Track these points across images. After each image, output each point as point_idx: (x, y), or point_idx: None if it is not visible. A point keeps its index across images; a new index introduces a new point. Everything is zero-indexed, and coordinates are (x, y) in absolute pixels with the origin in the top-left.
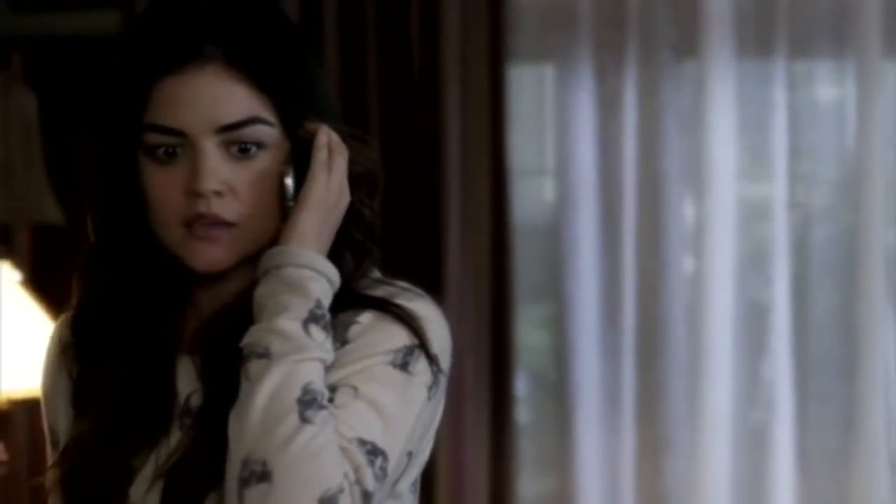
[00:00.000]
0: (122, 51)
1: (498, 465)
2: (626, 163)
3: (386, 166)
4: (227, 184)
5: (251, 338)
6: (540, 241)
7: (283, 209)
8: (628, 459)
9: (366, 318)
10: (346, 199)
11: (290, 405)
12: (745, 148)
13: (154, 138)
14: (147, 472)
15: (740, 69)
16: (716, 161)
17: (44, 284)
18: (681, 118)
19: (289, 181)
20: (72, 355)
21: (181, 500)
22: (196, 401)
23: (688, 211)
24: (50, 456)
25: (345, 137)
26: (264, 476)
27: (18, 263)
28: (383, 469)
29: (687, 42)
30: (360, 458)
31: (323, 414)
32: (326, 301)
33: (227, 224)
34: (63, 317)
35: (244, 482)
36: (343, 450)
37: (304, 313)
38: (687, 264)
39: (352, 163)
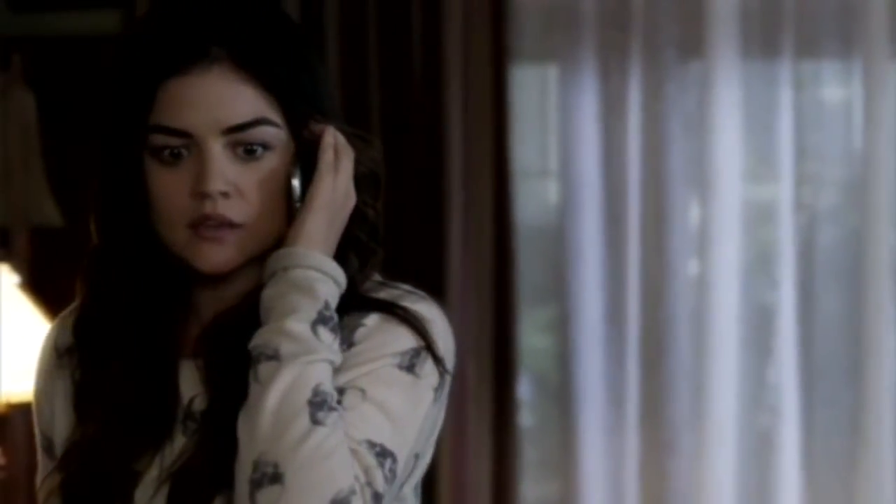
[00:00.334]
0: (126, 51)
1: (501, 469)
2: (631, 164)
3: (388, 168)
4: (234, 185)
5: (260, 339)
6: (543, 243)
7: (290, 210)
8: (632, 464)
9: (371, 320)
10: (352, 200)
11: (301, 407)
12: (750, 149)
13: (160, 139)
14: (152, 475)
15: (746, 70)
16: (721, 162)
17: (43, 287)
18: (685, 119)
19: (295, 182)
20: (74, 358)
21: (188, 503)
22: (199, 404)
23: (693, 213)
24: (41, 461)
25: (349, 138)
26: (276, 478)
27: (17, 266)
28: (392, 471)
29: (692, 42)
30: (370, 459)
31: (333, 416)
32: (333, 303)
33: (234, 225)
34: (58, 320)
35: (256, 484)
36: (353, 452)
37: (312, 315)
38: (692, 267)
39: (356, 163)
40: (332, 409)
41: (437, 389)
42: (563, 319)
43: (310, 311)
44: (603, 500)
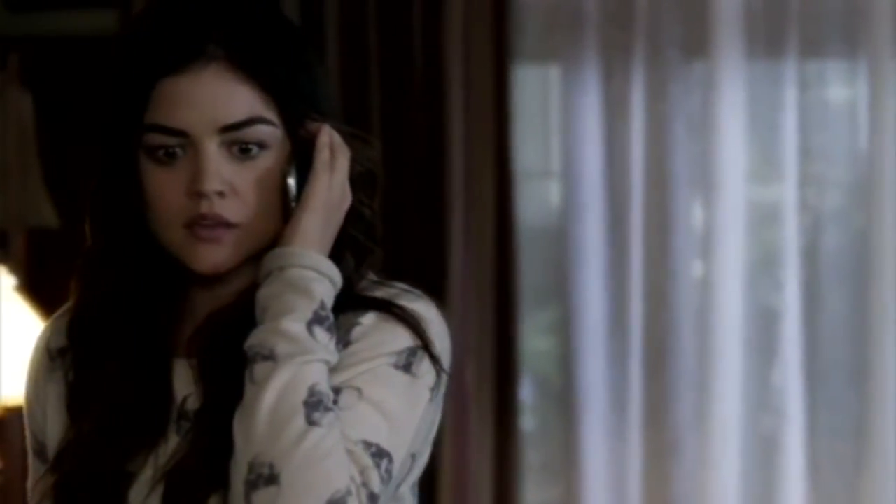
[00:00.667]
0: (122, 50)
1: (502, 473)
2: (634, 165)
3: (388, 169)
4: (230, 184)
5: (255, 339)
6: (545, 245)
7: (286, 209)
8: (635, 467)
9: (368, 319)
10: (348, 199)
11: (297, 407)
12: (754, 150)
13: (155, 138)
14: (146, 475)
15: (750, 70)
16: (725, 163)
17: (40, 289)
18: (689, 120)
19: (291, 181)
20: (67, 359)
21: (182, 503)
22: (192, 403)
23: (696, 214)
24: (32, 465)
25: (346, 137)
26: (272, 479)
27: (14, 268)
28: (388, 471)
29: (696, 42)
30: (366, 460)
31: (329, 416)
32: (329, 302)
33: (230, 225)
34: (50, 321)
35: (251, 485)
36: (349, 452)
37: (308, 315)
38: (695, 268)
39: (353, 162)
40: (327, 409)
41: (434, 389)
42: (565, 321)
43: (305, 310)
44: None
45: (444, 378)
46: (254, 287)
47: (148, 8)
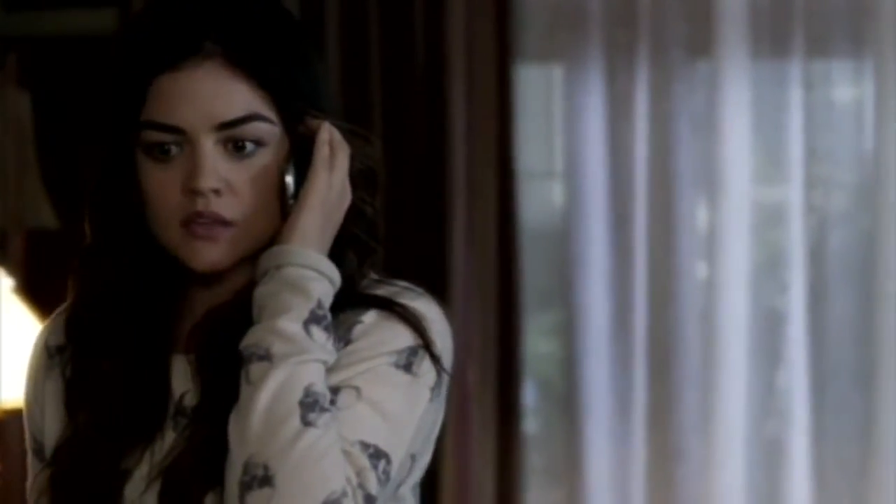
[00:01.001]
0: (119, 47)
1: (505, 477)
2: (638, 165)
3: (389, 169)
4: (226, 182)
5: (251, 339)
6: (548, 246)
7: (284, 207)
8: (639, 471)
9: (369, 317)
10: (347, 197)
11: (292, 408)
12: (759, 150)
13: (151, 136)
14: (142, 472)
15: (755, 69)
16: (730, 164)
17: (38, 290)
18: (694, 120)
19: (289, 179)
20: (65, 357)
21: (179, 500)
22: (190, 400)
23: (701, 215)
24: (31, 464)
25: (346, 134)
26: (266, 480)
27: (12, 269)
28: (386, 472)
29: (700, 41)
30: (363, 461)
31: (325, 417)
32: (327, 301)
33: (227, 223)
34: (49, 320)
35: (246, 486)
36: (345, 453)
37: (304, 314)
38: (700, 270)
39: (352, 160)
40: (324, 409)
41: (435, 389)
42: (568, 324)
43: (302, 310)
44: None
45: (446, 378)
46: (253, 284)
47: (147, 5)
